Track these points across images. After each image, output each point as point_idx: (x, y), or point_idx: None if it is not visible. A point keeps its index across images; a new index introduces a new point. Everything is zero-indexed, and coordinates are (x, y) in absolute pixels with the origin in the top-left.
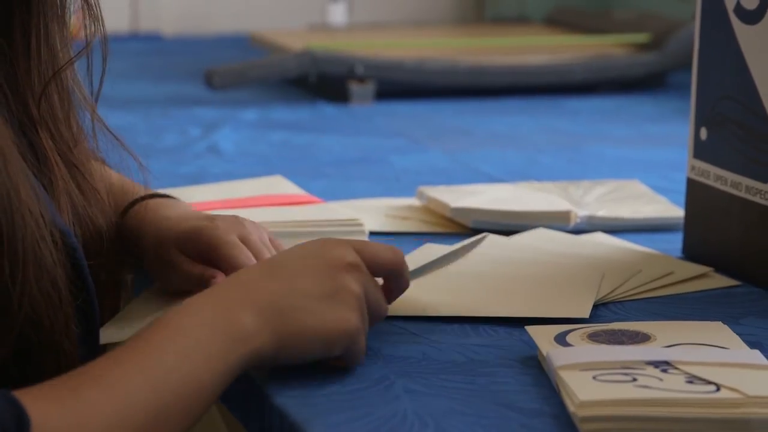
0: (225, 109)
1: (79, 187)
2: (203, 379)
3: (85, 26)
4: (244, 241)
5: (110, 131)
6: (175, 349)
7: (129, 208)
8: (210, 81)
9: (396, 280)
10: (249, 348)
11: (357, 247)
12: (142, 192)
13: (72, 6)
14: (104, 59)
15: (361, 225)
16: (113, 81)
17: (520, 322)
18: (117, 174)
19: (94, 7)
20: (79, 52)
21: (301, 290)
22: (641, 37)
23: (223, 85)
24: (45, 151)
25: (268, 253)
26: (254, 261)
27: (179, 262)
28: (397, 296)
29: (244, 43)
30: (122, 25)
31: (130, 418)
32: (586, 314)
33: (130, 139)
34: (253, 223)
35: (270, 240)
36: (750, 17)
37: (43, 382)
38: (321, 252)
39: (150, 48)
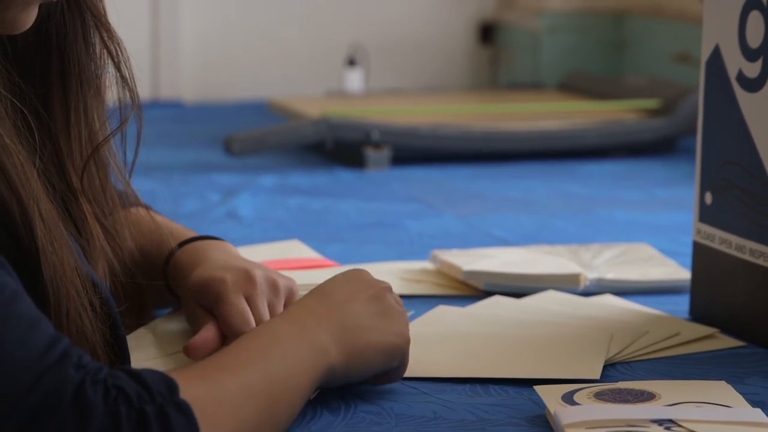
0: (244, 175)
1: (113, 249)
2: (301, 379)
3: (120, 100)
4: (249, 300)
5: (141, 202)
6: (275, 353)
7: (178, 248)
8: (229, 147)
9: None
10: (327, 361)
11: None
12: (189, 235)
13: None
14: (139, 133)
15: None
16: (131, 150)
17: (530, 382)
18: (163, 218)
19: (130, 82)
20: (117, 128)
21: (357, 312)
22: (652, 103)
23: (242, 151)
24: (85, 217)
25: (267, 317)
26: (251, 323)
27: (194, 312)
28: None
29: (263, 110)
30: (143, 92)
31: (252, 398)
32: (596, 375)
33: (151, 205)
34: (271, 280)
35: (289, 297)
36: (752, 85)
37: (179, 368)
38: (360, 278)
39: (170, 115)
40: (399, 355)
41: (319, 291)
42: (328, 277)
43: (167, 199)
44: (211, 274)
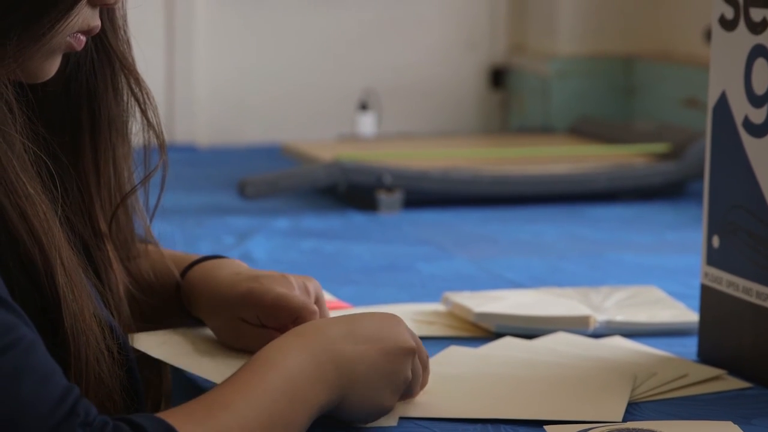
0: (257, 218)
1: (136, 292)
2: (300, 412)
3: (145, 148)
4: (318, 301)
5: (161, 249)
6: (278, 383)
7: (185, 272)
8: (243, 191)
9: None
10: (326, 396)
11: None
12: (196, 257)
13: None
14: (163, 178)
15: None
16: (151, 191)
17: (540, 422)
18: (169, 250)
19: (157, 129)
20: (146, 177)
21: (372, 362)
22: (661, 147)
23: (255, 194)
24: (109, 262)
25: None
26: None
27: (242, 328)
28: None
29: (276, 154)
30: None
31: None
32: (619, 417)
33: (166, 247)
34: (305, 286)
35: (317, 298)
36: (757, 131)
37: (180, 406)
38: (393, 331)
39: (185, 159)
40: (375, 419)
41: (353, 324)
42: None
43: (182, 242)
44: (289, 294)
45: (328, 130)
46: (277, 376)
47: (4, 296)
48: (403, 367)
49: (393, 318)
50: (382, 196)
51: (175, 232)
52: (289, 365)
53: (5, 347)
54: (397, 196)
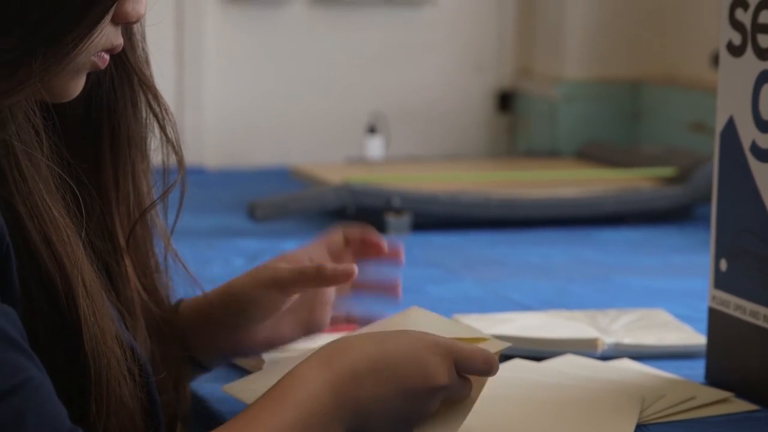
0: (267, 240)
1: (153, 310)
2: None
3: (163, 165)
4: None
5: (181, 261)
6: (298, 419)
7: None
8: (252, 213)
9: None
10: (338, 429)
11: (456, 356)
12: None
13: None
14: (182, 195)
15: None
16: (168, 209)
17: None
18: None
19: (175, 145)
20: (165, 192)
21: (391, 405)
22: (668, 171)
23: (265, 217)
24: (127, 279)
25: None
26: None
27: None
28: None
29: (285, 176)
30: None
31: None
32: None
33: (177, 269)
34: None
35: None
36: (765, 156)
37: None
38: (421, 367)
39: (194, 180)
40: None
41: (384, 358)
42: None
43: (193, 263)
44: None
45: (337, 153)
46: (298, 413)
47: (16, 338)
48: (425, 404)
49: (424, 346)
50: (391, 219)
51: (185, 254)
52: (312, 402)
53: (13, 388)
54: (406, 219)
